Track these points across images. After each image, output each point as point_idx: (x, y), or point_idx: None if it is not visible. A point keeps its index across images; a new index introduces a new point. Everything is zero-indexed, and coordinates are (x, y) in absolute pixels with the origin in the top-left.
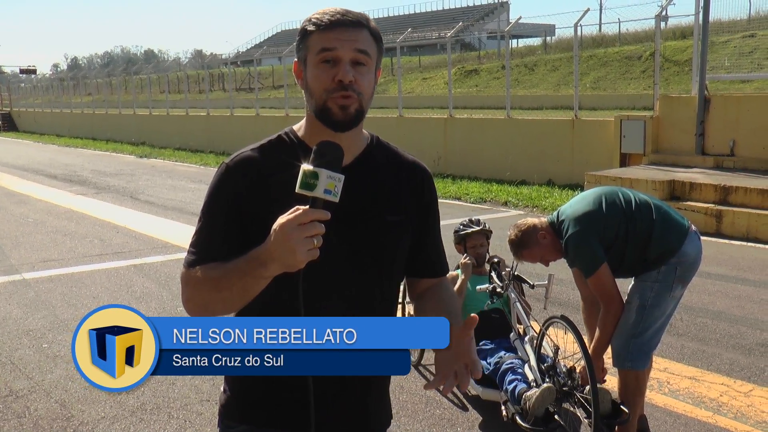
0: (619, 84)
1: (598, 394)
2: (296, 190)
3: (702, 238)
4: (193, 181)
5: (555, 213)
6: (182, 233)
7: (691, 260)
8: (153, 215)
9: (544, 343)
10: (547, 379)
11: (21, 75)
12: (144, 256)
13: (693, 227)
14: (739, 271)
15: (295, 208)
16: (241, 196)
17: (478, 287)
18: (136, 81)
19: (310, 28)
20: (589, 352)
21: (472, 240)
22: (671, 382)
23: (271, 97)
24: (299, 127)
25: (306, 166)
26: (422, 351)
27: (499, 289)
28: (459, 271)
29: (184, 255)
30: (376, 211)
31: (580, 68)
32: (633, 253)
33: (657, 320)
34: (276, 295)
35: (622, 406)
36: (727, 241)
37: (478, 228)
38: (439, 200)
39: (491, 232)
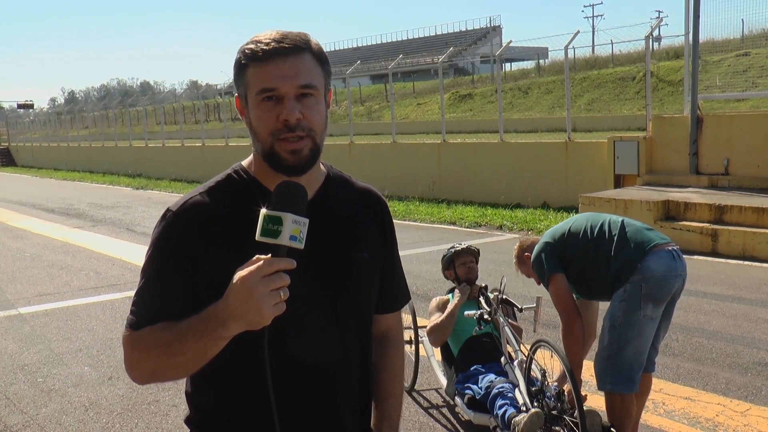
0: (613, 105)
1: (587, 417)
2: (257, 238)
3: (697, 257)
4: None
5: None
6: None
7: (659, 277)
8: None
9: (533, 366)
10: (536, 404)
11: (19, 110)
12: None
13: (669, 246)
14: (735, 290)
15: (255, 257)
16: (190, 246)
17: (465, 313)
18: (132, 113)
19: (245, 61)
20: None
21: (461, 258)
22: (666, 402)
23: None
24: (249, 163)
25: (267, 211)
26: (415, 376)
27: (486, 315)
28: (450, 295)
29: None
30: (342, 252)
31: (574, 90)
32: (593, 270)
33: (631, 341)
34: (238, 359)
35: (612, 429)
36: (723, 260)
37: (464, 246)
38: (435, 225)
39: (479, 252)
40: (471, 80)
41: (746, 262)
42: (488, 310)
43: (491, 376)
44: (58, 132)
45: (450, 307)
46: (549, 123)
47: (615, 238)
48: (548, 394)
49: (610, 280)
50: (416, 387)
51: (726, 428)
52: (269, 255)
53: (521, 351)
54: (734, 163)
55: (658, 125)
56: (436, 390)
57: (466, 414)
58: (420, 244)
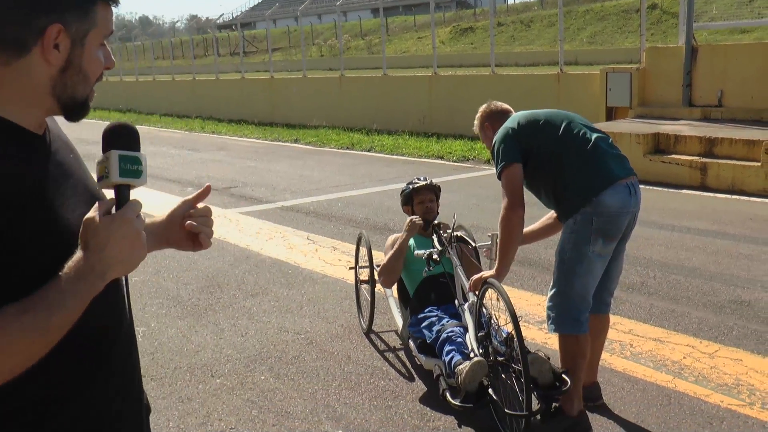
0: (616, 38)
1: (534, 365)
2: (116, 180)
3: (686, 192)
4: (174, 147)
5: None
6: (154, 200)
7: (613, 213)
8: None
9: (484, 310)
10: (481, 350)
11: None
12: None
13: (631, 181)
14: (719, 225)
15: (110, 200)
16: None
17: (416, 252)
18: (130, 48)
19: None
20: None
21: (420, 196)
22: (634, 344)
23: (265, 60)
24: None
25: (122, 152)
26: (371, 317)
27: (435, 256)
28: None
29: None
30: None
31: (576, 23)
32: (550, 181)
33: (579, 277)
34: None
35: (564, 375)
36: (711, 194)
37: (424, 183)
38: (422, 160)
39: (439, 188)
40: (473, 13)
41: (735, 196)
42: (438, 249)
43: (444, 320)
44: None
45: (397, 244)
46: (551, 56)
47: (584, 157)
48: (499, 339)
49: (562, 201)
50: (374, 328)
51: (692, 371)
52: (112, 198)
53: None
54: (728, 94)
55: (653, 56)
56: (396, 332)
57: (418, 358)
58: (404, 179)
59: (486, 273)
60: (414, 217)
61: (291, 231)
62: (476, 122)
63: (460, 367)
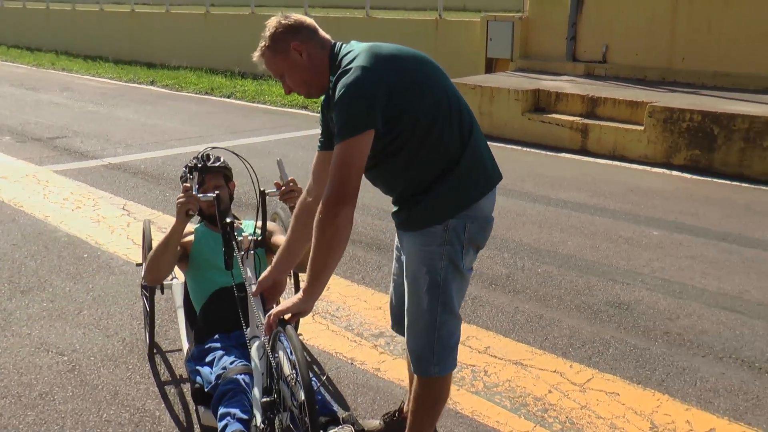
0: None
1: None
2: None
3: (567, 156)
4: (11, 84)
5: (350, 43)
6: None
7: (484, 219)
8: None
9: (281, 353)
10: (263, 425)
11: None
12: None
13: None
14: (599, 197)
15: None
16: None
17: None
18: None
19: None
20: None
21: (207, 182)
22: (490, 370)
23: None
24: None
25: None
26: (152, 334)
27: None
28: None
29: None
30: None
31: None
32: (417, 163)
33: (457, 300)
34: None
35: None
36: (592, 159)
37: (203, 163)
38: (284, 110)
39: (229, 168)
40: None
41: (615, 162)
42: (236, 253)
43: (230, 358)
44: None
45: (167, 234)
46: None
47: (467, 146)
48: (287, 405)
49: (430, 199)
50: (164, 345)
51: (558, 413)
52: None
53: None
54: (613, 50)
55: (537, 5)
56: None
57: (199, 410)
58: (261, 132)
59: (287, 303)
60: (181, 195)
61: (107, 197)
62: (267, 44)
63: None
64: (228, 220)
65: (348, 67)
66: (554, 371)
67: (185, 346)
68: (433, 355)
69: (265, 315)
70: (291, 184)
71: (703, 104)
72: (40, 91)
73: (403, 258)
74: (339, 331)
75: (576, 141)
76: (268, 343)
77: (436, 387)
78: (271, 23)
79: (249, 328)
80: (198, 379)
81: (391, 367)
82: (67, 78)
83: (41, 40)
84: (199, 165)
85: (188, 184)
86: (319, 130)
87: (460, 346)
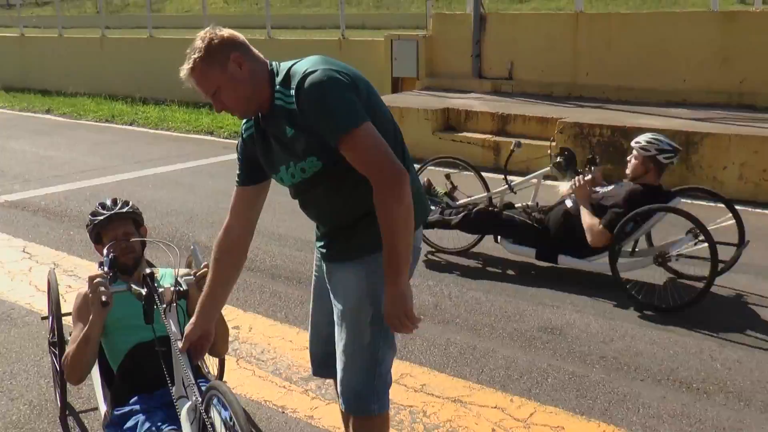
0: (402, 3)
1: None
2: None
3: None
4: None
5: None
6: None
7: (418, 249)
8: None
9: (214, 416)
10: None
11: None
12: None
13: None
14: None
15: None
16: None
17: (113, 289)
18: None
19: None
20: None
21: (110, 232)
22: (429, 410)
23: (33, 14)
24: None
25: None
26: (63, 395)
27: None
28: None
29: None
30: None
31: None
32: (361, 183)
33: (392, 333)
34: None
35: None
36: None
37: (110, 211)
38: (190, 136)
39: (139, 213)
40: None
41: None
42: (157, 306)
43: (149, 425)
44: None
45: (86, 329)
46: (338, 20)
47: (410, 171)
48: None
49: (372, 225)
50: (77, 404)
51: None
52: None
53: (195, 386)
54: (518, 66)
55: (440, 23)
56: None
57: None
58: (166, 160)
59: (395, 303)
60: (96, 276)
61: (5, 239)
62: (200, 56)
63: None
64: (147, 271)
65: (310, 70)
66: (495, 407)
67: (102, 408)
68: (373, 393)
69: (192, 370)
70: (204, 269)
71: (610, 119)
72: None
73: (333, 294)
74: (266, 376)
75: (489, 159)
76: (201, 404)
77: (378, 424)
78: (204, 35)
79: (175, 387)
80: None
81: (325, 413)
82: None
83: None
84: (96, 220)
85: (99, 274)
86: (232, 161)
87: (394, 385)
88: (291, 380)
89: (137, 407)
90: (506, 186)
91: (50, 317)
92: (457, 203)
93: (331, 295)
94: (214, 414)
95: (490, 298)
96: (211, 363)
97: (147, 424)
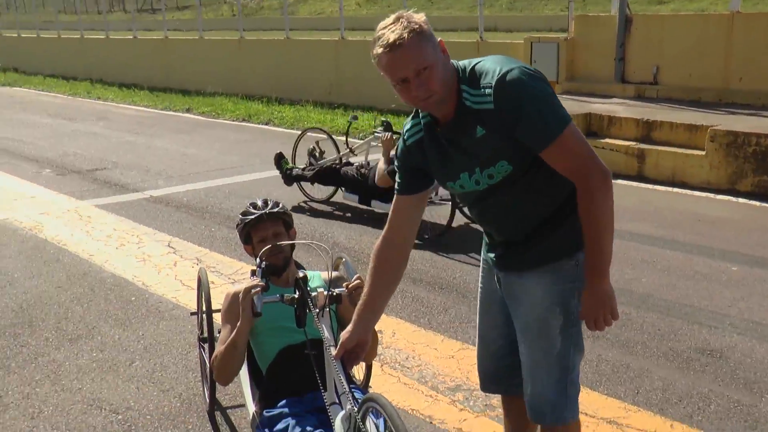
0: (536, 5)
1: None
2: None
3: (622, 182)
4: (50, 115)
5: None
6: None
7: None
8: None
9: (367, 428)
10: None
11: None
12: None
13: None
14: (666, 228)
15: None
16: None
17: (265, 299)
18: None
19: None
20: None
21: (259, 232)
22: (583, 431)
23: (174, 18)
24: None
25: None
26: (212, 391)
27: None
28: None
29: None
30: None
31: None
32: (561, 185)
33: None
34: None
35: None
36: (650, 186)
37: (262, 211)
38: (324, 136)
39: (290, 215)
40: None
41: (676, 189)
42: (310, 311)
43: (300, 430)
44: None
45: (233, 335)
46: (470, 22)
47: None
48: None
49: (568, 228)
50: (225, 401)
51: None
52: None
53: (350, 394)
54: (664, 70)
55: (582, 25)
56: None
57: None
58: (301, 159)
59: (596, 300)
60: (252, 287)
61: (151, 233)
62: (417, 28)
63: None
64: (300, 274)
65: (505, 69)
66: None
67: (250, 407)
68: (567, 400)
69: (346, 377)
70: (357, 281)
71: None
72: (76, 120)
73: (515, 305)
74: (412, 384)
75: (632, 167)
76: (358, 414)
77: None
78: (402, 15)
79: (327, 393)
80: None
81: (475, 426)
82: (103, 107)
83: (76, 69)
84: (247, 219)
85: (255, 284)
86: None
87: None
88: (437, 389)
89: (287, 410)
90: (348, 149)
91: (199, 313)
92: (318, 163)
93: (512, 306)
94: (370, 424)
95: (642, 313)
96: (357, 367)
97: (298, 429)
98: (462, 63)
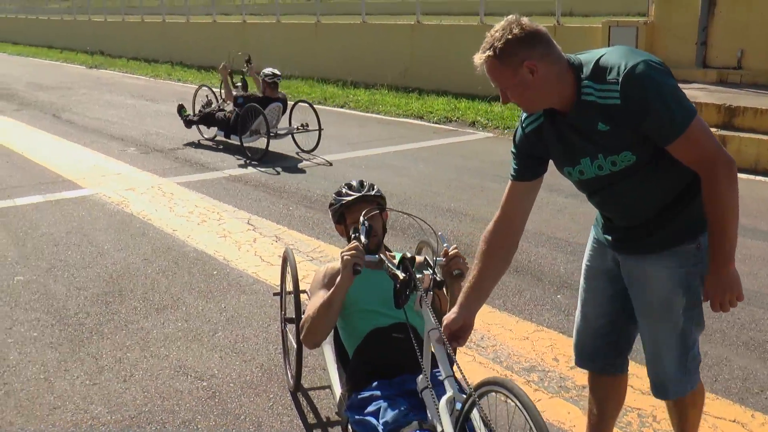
0: None
1: None
2: None
3: None
4: (133, 96)
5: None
6: (81, 165)
7: None
8: (64, 139)
9: (474, 414)
10: None
11: None
12: (18, 195)
13: None
14: (747, 217)
15: None
16: None
17: (367, 258)
18: None
19: None
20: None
21: (353, 214)
22: (659, 416)
23: (252, 3)
24: None
25: None
26: (298, 372)
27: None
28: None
29: (68, 196)
30: None
31: None
32: (685, 170)
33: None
34: None
35: None
36: None
37: (357, 194)
38: (399, 120)
39: (383, 197)
40: None
41: (759, 177)
42: (416, 292)
43: (395, 412)
44: (25, 3)
45: (330, 293)
46: (545, 6)
47: None
48: None
49: (692, 212)
50: (306, 383)
51: None
52: None
53: (455, 378)
54: (749, 54)
55: (663, 8)
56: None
57: None
58: (377, 143)
59: (720, 285)
60: (349, 250)
61: (231, 210)
62: (494, 54)
63: None
64: (408, 255)
65: (632, 64)
66: (734, 421)
67: (337, 390)
68: (686, 374)
69: (449, 361)
70: (455, 249)
71: None
72: (158, 102)
73: (636, 287)
74: (487, 363)
75: None
76: (475, 394)
77: (699, 392)
78: (503, 29)
79: (421, 376)
80: (361, 429)
81: (549, 406)
82: (183, 88)
83: (157, 52)
84: (343, 201)
85: (357, 242)
86: (441, 146)
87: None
88: (512, 369)
89: (378, 392)
90: (222, 100)
91: (283, 294)
92: (204, 111)
93: (633, 289)
94: (474, 414)
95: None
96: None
97: (390, 411)
98: (582, 56)
